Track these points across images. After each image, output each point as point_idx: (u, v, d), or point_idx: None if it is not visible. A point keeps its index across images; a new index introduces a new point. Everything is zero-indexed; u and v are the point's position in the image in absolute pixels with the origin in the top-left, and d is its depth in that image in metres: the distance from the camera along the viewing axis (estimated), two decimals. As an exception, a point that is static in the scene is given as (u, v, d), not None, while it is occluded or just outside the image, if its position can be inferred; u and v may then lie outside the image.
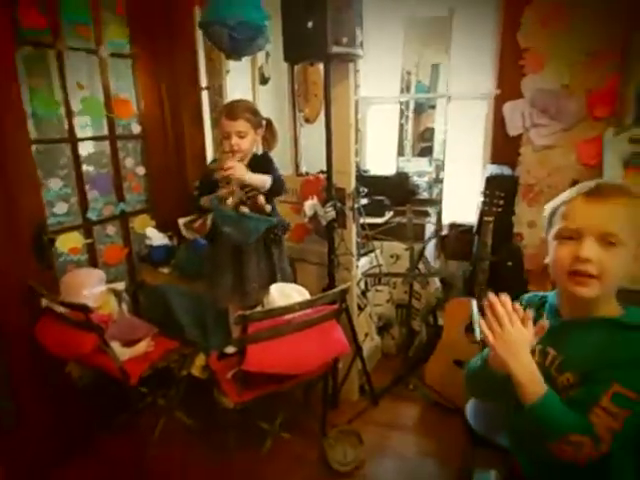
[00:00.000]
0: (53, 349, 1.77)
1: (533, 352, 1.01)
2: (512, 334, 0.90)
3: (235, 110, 1.86)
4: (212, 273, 2.03)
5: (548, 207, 1.01)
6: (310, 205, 2.11)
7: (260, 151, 1.99)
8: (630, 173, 2.05)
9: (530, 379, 0.89)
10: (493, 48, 2.61)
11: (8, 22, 1.76)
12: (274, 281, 1.91)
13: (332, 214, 2.05)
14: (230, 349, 1.96)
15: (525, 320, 0.92)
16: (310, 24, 1.70)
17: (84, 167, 2.22)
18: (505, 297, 0.94)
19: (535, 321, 1.01)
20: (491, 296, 0.94)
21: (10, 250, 1.78)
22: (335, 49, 1.76)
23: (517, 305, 0.94)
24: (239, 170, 1.79)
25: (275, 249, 1.99)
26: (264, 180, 1.84)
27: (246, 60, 2.43)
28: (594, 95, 2.39)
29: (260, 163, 1.93)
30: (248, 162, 1.93)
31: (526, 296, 1.16)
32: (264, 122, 1.96)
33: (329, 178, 2.05)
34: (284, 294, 1.73)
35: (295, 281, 2.16)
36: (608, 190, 0.91)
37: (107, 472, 1.98)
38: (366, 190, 2.47)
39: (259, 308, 1.78)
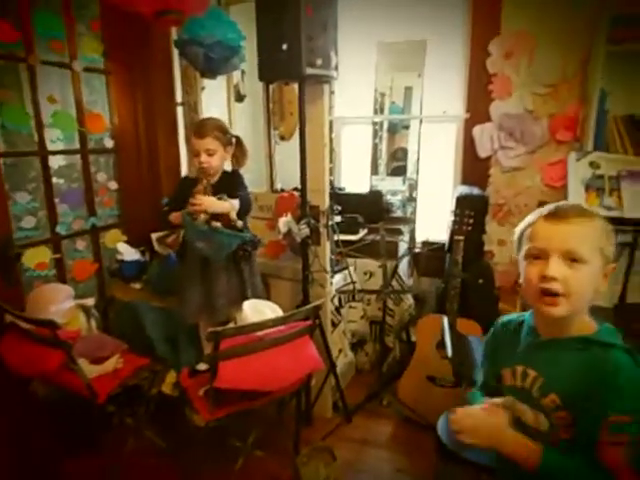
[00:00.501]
0: (17, 366, 1.71)
1: (514, 374, 1.05)
2: (485, 423, 0.97)
3: (204, 128, 1.89)
4: (181, 289, 2.01)
5: (516, 230, 1.05)
6: (284, 222, 2.13)
7: (229, 168, 2.01)
8: (591, 195, 2.14)
9: (522, 450, 0.93)
10: (463, 74, 2.71)
11: (-22, 34, 1.74)
12: (245, 297, 1.90)
13: (306, 231, 2.07)
14: (202, 366, 1.93)
15: (491, 406, 0.98)
16: (285, 46, 1.74)
17: (54, 181, 2.19)
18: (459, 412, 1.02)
19: (513, 341, 1.07)
20: (453, 418, 1.02)
21: (-26, 265, 1.73)
22: (309, 70, 1.80)
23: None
24: (207, 204, 1.81)
25: (245, 265, 1.98)
26: (233, 205, 1.86)
27: (222, 77, 2.45)
28: (556, 120, 2.51)
29: (229, 180, 1.96)
30: (218, 179, 1.95)
31: (504, 318, 1.17)
32: (234, 140, 1.98)
33: (303, 196, 2.08)
34: (257, 310, 1.73)
35: (269, 297, 2.16)
36: (566, 211, 0.96)
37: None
38: (340, 208, 2.51)
39: (231, 324, 1.77)
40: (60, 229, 2.19)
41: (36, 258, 2.08)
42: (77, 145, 2.27)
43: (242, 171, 2.05)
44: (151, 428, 2.12)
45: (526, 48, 2.51)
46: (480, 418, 1.00)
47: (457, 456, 1.54)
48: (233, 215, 1.89)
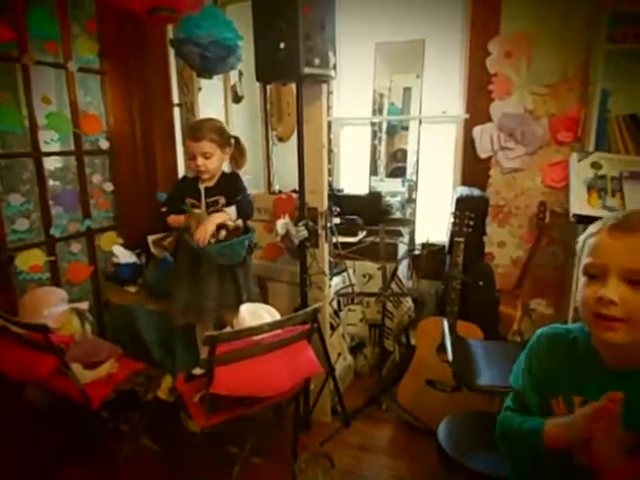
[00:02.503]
0: (9, 372, 1.68)
1: (569, 406, 0.91)
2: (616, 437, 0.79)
3: (199, 131, 1.82)
4: (171, 288, 1.97)
5: (580, 239, 0.91)
6: (282, 224, 2.09)
7: (228, 169, 1.97)
8: (593, 196, 2.12)
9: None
10: (463, 74, 2.69)
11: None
12: (240, 302, 1.86)
13: (304, 233, 2.04)
14: (198, 370, 1.90)
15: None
16: (282, 45, 1.71)
17: (49, 183, 2.16)
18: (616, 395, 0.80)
19: (567, 365, 0.93)
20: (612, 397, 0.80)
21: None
22: (307, 70, 1.76)
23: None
24: (210, 229, 1.79)
25: (239, 269, 1.94)
26: (230, 214, 1.85)
27: (219, 78, 2.42)
28: (557, 121, 2.49)
29: (228, 183, 1.91)
30: (216, 181, 1.91)
31: (548, 330, 1.01)
32: (232, 140, 1.93)
33: (301, 197, 2.05)
34: (254, 314, 1.70)
35: (266, 300, 2.13)
36: (636, 222, 0.81)
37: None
38: (339, 209, 2.48)
39: (228, 329, 1.74)
40: (54, 231, 2.16)
41: (30, 261, 2.05)
42: (72, 146, 2.24)
43: (240, 172, 2.01)
44: (146, 434, 2.08)
45: (526, 48, 2.49)
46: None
47: (459, 463, 1.51)
48: (230, 224, 1.85)
